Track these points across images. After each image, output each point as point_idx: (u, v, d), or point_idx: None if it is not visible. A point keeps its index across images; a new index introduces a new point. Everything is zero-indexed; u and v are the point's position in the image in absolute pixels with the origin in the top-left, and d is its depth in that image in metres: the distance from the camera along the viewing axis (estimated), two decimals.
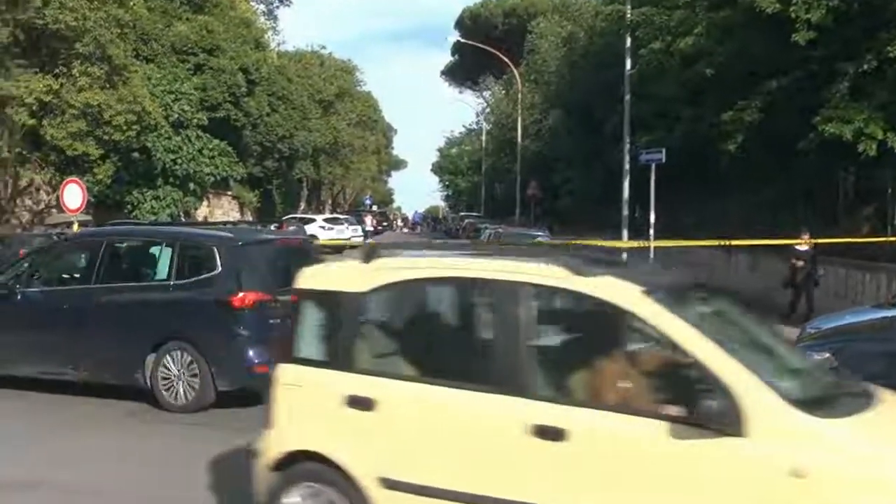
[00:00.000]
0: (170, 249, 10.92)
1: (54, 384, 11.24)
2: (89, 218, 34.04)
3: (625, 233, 25.08)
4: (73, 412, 10.58)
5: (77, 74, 32.13)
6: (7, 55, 30.97)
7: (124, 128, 33.98)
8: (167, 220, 39.10)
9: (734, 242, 19.68)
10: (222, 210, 54.21)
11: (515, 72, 53.81)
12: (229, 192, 55.16)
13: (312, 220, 51.60)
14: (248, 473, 6.06)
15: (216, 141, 44.04)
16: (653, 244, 22.20)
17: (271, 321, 9.89)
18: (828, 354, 8.14)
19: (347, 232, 50.57)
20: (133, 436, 9.63)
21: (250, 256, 10.69)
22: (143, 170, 39.56)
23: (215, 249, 10.50)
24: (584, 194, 39.68)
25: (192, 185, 43.08)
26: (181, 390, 10.31)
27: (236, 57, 46.24)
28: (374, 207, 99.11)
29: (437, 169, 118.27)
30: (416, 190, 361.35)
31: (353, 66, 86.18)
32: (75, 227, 22.49)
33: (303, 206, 74.55)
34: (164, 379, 10.36)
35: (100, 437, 9.51)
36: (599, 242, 24.72)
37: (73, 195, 21.05)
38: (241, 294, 10.17)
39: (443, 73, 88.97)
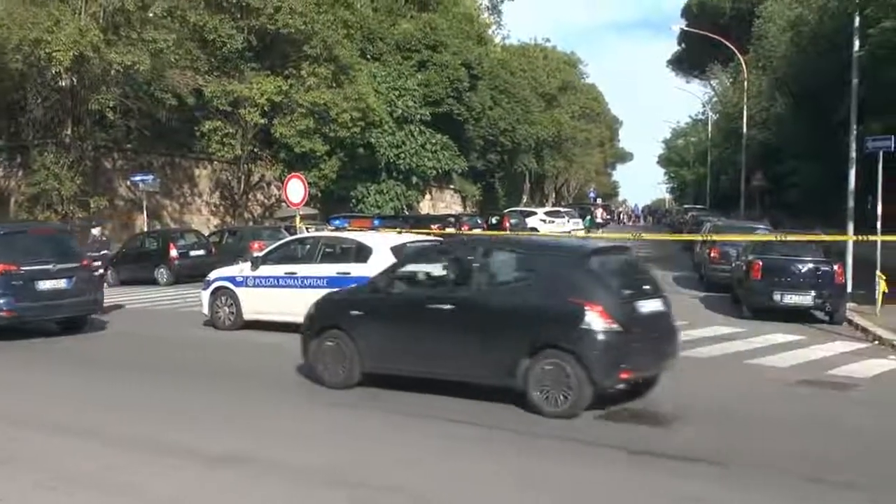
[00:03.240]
0: None
1: None
2: (316, 211, 35.84)
3: (850, 225, 23.59)
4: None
5: (305, 75, 33.94)
6: (241, 60, 33.14)
7: (349, 125, 35.60)
8: (391, 214, 40.46)
9: None
10: (444, 203, 55.31)
11: (742, 59, 51.90)
12: (452, 186, 56.29)
13: (533, 213, 51.77)
14: None
15: (439, 135, 45.16)
16: (880, 238, 20.76)
17: (14, 283, 15.57)
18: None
19: (569, 225, 50.40)
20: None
21: (5, 241, 16.09)
22: (367, 165, 41.08)
23: None
24: (811, 185, 37.79)
25: (414, 179, 44.39)
26: None
27: (459, 52, 47.16)
28: (598, 200, 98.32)
29: (663, 161, 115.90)
30: (642, 182, 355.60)
31: (577, 58, 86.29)
32: (297, 220, 23.74)
33: (525, 198, 75.02)
34: None
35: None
36: (819, 237, 23.43)
37: (296, 190, 22.24)
38: None
39: (669, 62, 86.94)
